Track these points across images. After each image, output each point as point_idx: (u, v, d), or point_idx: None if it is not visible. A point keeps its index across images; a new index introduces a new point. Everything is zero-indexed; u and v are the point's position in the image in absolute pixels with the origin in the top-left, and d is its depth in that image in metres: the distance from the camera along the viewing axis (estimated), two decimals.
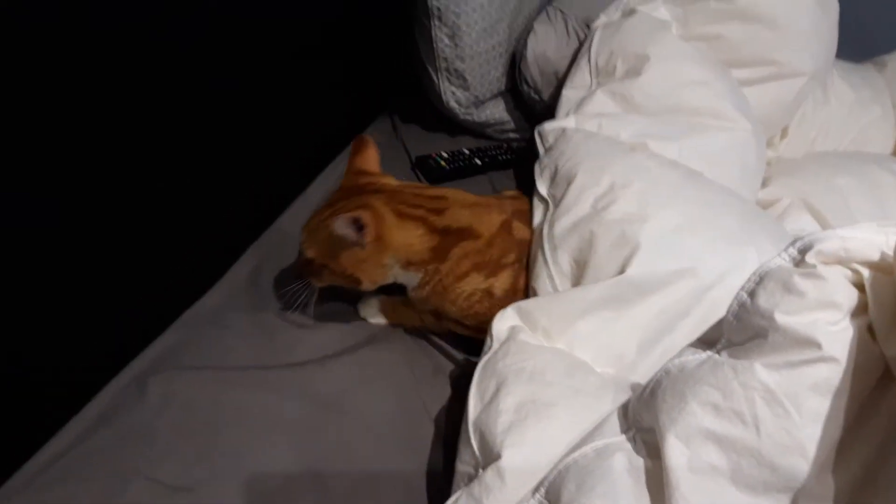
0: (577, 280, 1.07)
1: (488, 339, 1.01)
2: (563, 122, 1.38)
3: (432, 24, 1.56)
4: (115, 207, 1.01)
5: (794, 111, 1.61)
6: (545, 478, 0.78)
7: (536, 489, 0.78)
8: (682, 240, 1.03)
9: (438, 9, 1.53)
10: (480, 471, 0.85)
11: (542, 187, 1.22)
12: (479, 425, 0.88)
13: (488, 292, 1.09)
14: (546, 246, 1.10)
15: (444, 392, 1.09)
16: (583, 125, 1.36)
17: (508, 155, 1.67)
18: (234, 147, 1.25)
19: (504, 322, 1.02)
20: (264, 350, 1.08)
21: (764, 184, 1.47)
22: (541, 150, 1.34)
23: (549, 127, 1.38)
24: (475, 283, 1.08)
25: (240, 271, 1.25)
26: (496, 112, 1.74)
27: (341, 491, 0.92)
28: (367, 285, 1.09)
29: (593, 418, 0.84)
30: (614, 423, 0.81)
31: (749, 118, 1.37)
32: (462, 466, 0.89)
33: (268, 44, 1.32)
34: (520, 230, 1.17)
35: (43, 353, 0.95)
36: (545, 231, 1.13)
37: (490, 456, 0.84)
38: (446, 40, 1.58)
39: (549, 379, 0.91)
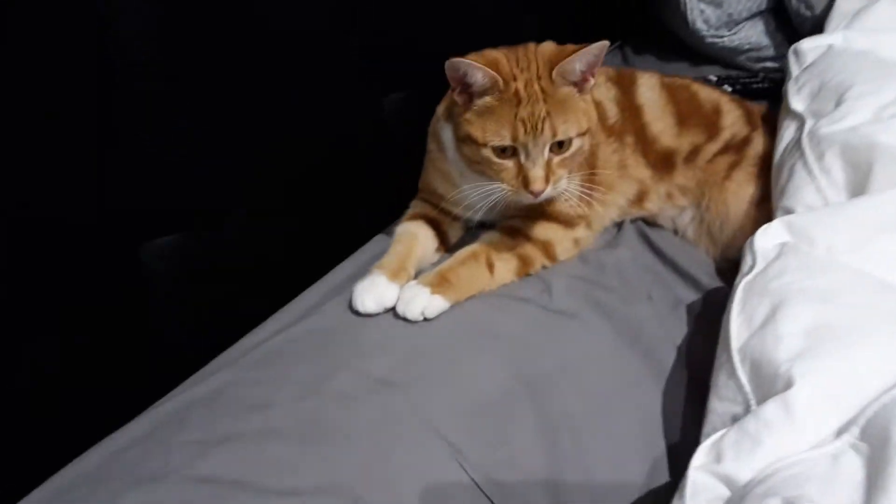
0: (858, 189, 0.85)
1: (748, 257, 0.82)
2: (827, 38, 1.14)
3: None
4: None
5: None
6: (857, 416, 0.57)
7: (844, 429, 0.57)
8: None
9: None
10: (753, 405, 0.65)
11: (797, 104, 1.01)
12: (749, 352, 0.69)
13: None
14: (809, 155, 0.90)
15: (688, 323, 0.90)
16: (853, 43, 1.10)
17: (764, 83, 1.41)
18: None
19: (770, 238, 0.82)
20: None
21: None
22: (794, 70, 1.11)
23: (808, 45, 1.14)
24: None
25: None
26: (752, 35, 1.47)
27: (562, 413, 0.77)
28: None
29: None
30: None
31: None
32: (721, 405, 0.70)
33: None
34: None
35: None
36: (805, 142, 0.93)
37: (771, 387, 0.64)
38: None
39: (850, 301, 0.70)
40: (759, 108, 1.13)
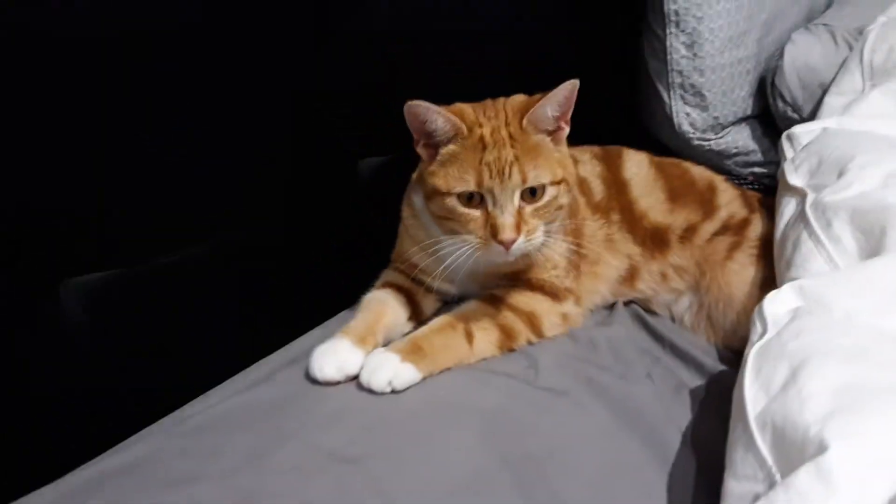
0: (871, 256, 0.78)
1: (757, 325, 0.73)
2: (821, 123, 1.13)
3: (668, 31, 1.38)
4: None
5: None
6: None
7: None
8: None
9: (676, 13, 1.35)
10: (778, 479, 0.54)
11: (796, 180, 0.97)
12: (770, 418, 0.58)
13: None
14: (815, 224, 0.84)
15: (692, 409, 0.79)
16: (849, 126, 1.09)
17: (754, 186, 1.38)
18: None
19: (780, 305, 0.73)
20: None
21: None
22: (789, 152, 1.09)
23: (801, 129, 1.12)
24: None
25: None
26: (739, 139, 1.46)
27: (553, 502, 0.64)
28: None
29: None
30: None
31: None
32: (739, 485, 0.58)
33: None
34: None
35: None
36: (809, 213, 0.87)
37: (799, 455, 0.53)
38: (683, 50, 1.38)
39: (882, 360, 0.60)
40: (753, 193, 1.09)
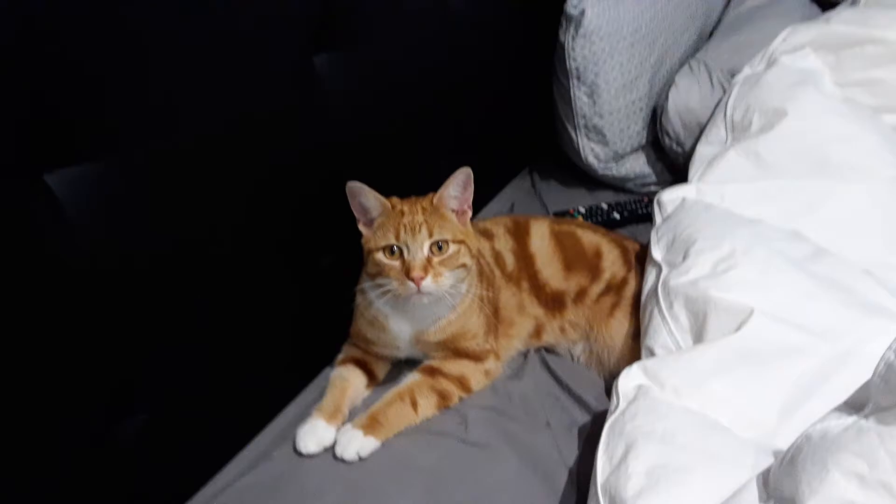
0: (698, 334, 1.07)
1: (614, 398, 1.01)
2: (682, 191, 1.38)
3: (571, 83, 1.61)
4: None
5: None
6: None
7: None
8: (803, 308, 1.02)
9: (577, 69, 1.58)
10: None
11: (657, 253, 1.23)
12: (608, 488, 0.88)
13: None
14: (663, 303, 1.12)
15: (579, 446, 1.09)
16: (704, 195, 1.35)
17: (647, 208, 1.65)
18: None
19: (630, 380, 1.02)
20: None
21: None
22: (658, 219, 1.35)
23: (667, 197, 1.38)
24: None
25: None
26: (636, 166, 1.74)
27: None
28: None
29: (731, 486, 0.82)
30: (752, 492, 0.79)
31: None
32: None
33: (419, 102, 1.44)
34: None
35: None
36: (660, 291, 1.15)
37: None
38: (585, 98, 1.62)
39: (683, 442, 0.90)
40: (633, 245, 1.35)
